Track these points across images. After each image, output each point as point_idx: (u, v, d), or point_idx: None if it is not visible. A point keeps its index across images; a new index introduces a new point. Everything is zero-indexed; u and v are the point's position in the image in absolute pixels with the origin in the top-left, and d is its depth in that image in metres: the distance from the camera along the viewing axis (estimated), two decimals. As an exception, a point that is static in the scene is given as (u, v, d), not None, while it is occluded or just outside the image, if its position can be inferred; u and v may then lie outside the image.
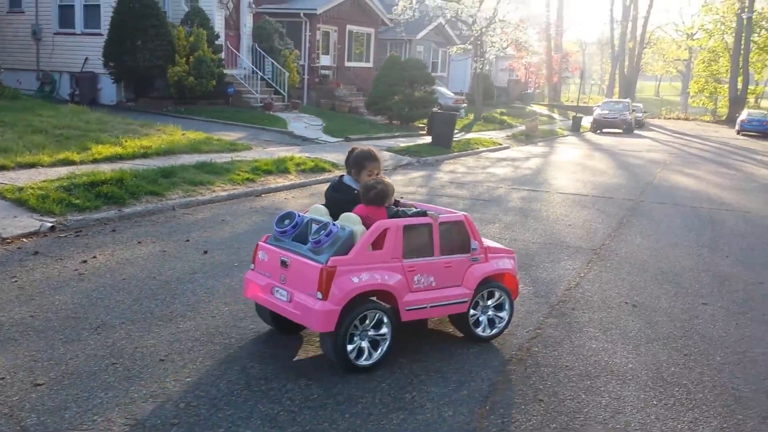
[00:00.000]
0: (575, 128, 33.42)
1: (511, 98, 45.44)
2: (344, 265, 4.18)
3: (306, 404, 3.89)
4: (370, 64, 30.37)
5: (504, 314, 5.02)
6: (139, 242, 7.03)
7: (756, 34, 50.29)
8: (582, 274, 6.97)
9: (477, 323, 4.93)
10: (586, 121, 35.96)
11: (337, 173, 12.66)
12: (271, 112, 20.38)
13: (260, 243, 4.69)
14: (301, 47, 25.26)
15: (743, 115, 40.54)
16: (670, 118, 53.35)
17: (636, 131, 36.28)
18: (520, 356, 4.76)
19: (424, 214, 4.64)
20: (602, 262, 7.54)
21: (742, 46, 46.94)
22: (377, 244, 4.34)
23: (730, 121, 46.23)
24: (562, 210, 10.79)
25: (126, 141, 12.12)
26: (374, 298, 4.45)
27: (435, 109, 20.92)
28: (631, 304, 6.06)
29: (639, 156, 21.67)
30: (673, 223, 10.18)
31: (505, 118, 32.30)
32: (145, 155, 11.46)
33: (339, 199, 4.73)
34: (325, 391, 4.06)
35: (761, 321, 5.82)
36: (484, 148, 20.66)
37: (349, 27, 28.66)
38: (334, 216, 4.57)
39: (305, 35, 25.91)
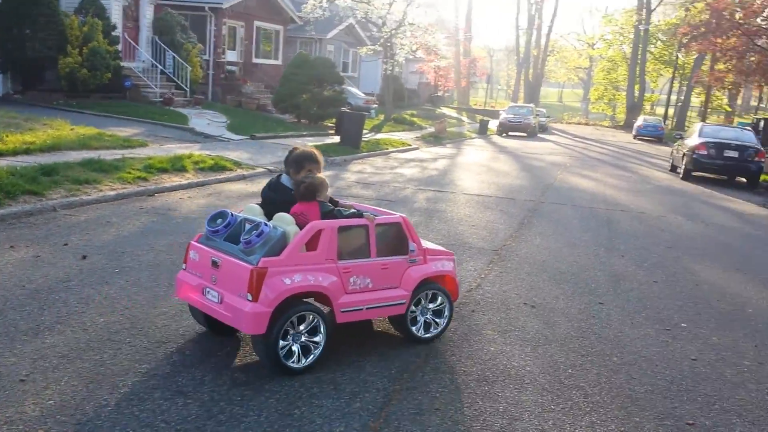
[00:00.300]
0: (482, 131, 34.07)
1: (422, 100, 45.88)
2: (276, 266, 4.07)
3: (183, 426, 3.54)
4: (278, 62, 29.78)
5: (441, 320, 4.97)
6: (12, 246, 6.39)
7: (652, 45, 53.13)
8: (483, 275, 6.90)
9: (415, 321, 4.86)
10: (493, 125, 36.73)
11: (240, 172, 12.22)
12: (171, 108, 19.55)
13: (192, 242, 4.55)
14: (205, 42, 24.41)
15: (639, 120, 42.67)
16: (571, 123, 55.46)
17: (540, 135, 37.39)
18: (419, 363, 4.58)
19: (360, 215, 4.54)
20: (503, 262, 7.52)
21: (639, 56, 49.38)
22: (311, 245, 4.26)
23: (627, 126, 48.56)
24: (467, 211, 10.79)
25: (6, 136, 11.18)
26: (311, 300, 4.38)
27: (344, 109, 20.66)
28: (530, 305, 6.02)
29: (541, 159, 22.23)
30: (572, 223, 10.37)
31: (415, 119, 32.51)
32: (27, 151, 10.61)
33: (275, 199, 4.62)
34: (205, 410, 3.71)
35: (655, 320, 5.90)
36: (394, 149, 20.61)
37: (257, 23, 27.99)
38: (269, 216, 4.44)
39: (210, 29, 25.05)
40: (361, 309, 4.51)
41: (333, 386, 4.10)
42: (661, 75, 58.94)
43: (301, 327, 4.22)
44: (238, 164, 12.62)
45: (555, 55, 70.85)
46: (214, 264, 4.27)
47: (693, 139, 18.85)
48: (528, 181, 15.59)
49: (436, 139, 26.12)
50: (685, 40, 40.30)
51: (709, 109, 46.53)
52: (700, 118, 42.36)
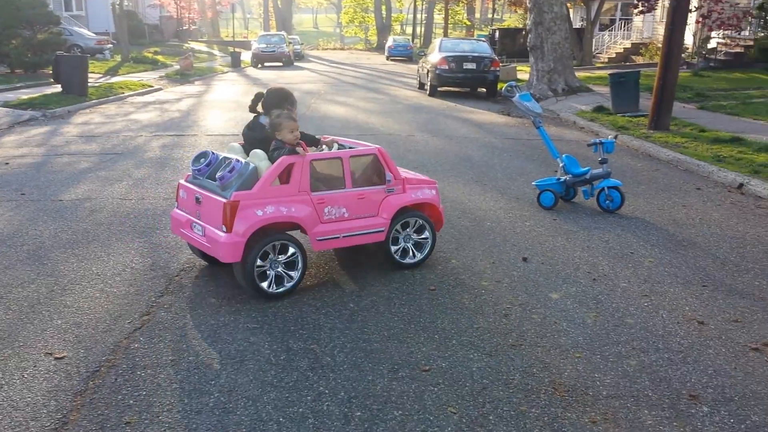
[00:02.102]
0: (235, 64, 32.45)
1: (166, 36, 42.55)
2: (248, 199, 4.34)
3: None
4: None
5: (426, 234, 5.12)
6: None
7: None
8: (214, 230, 6.08)
9: (405, 252, 5.08)
10: (247, 56, 35.17)
11: None
12: None
13: (180, 182, 4.91)
14: None
15: (390, 41, 43.68)
16: (327, 49, 55.43)
17: (296, 63, 36.66)
18: (113, 361, 3.69)
19: (320, 145, 4.95)
20: (240, 210, 6.74)
21: (382, -23, 50.02)
22: (284, 178, 4.47)
23: (380, 48, 49.63)
24: (206, 155, 9.77)
25: None
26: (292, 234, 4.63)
27: (60, 53, 17.98)
28: (265, 258, 5.35)
29: (296, 88, 21.52)
30: (320, 154, 9.85)
31: (158, 57, 29.95)
32: None
33: (252, 138, 4.85)
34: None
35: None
36: (132, 92, 18.59)
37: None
38: (249, 153, 4.67)
39: None
40: (338, 237, 4.73)
41: None
42: (405, -6, 60.64)
43: (281, 257, 4.49)
44: None
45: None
46: (197, 200, 4.63)
47: (434, 55, 19.31)
48: (278, 114, 14.81)
49: (183, 77, 24.20)
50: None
51: (450, 25, 48.92)
52: (443, 34, 44.35)
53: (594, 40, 32.18)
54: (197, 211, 4.64)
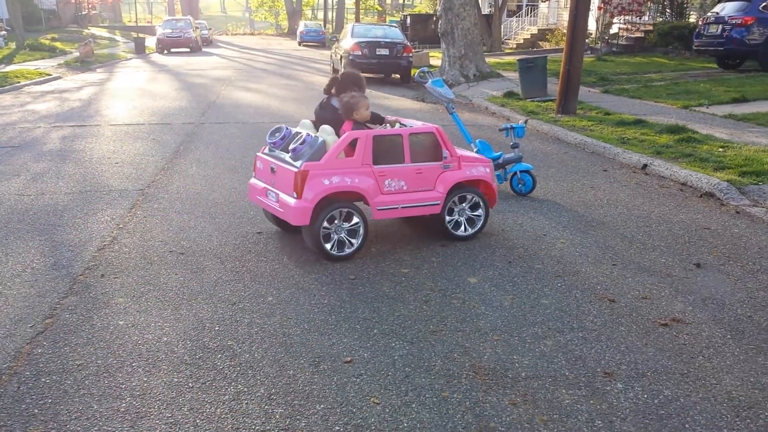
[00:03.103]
0: (139, 50, 31.21)
1: (64, 22, 40.37)
2: (316, 169, 4.81)
3: None
4: None
5: (480, 211, 5.49)
6: None
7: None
8: (122, 225, 5.80)
9: (458, 225, 5.46)
10: (152, 42, 33.87)
11: None
12: None
13: (258, 154, 5.43)
14: None
15: (301, 26, 43.16)
16: (237, 34, 54.13)
17: (205, 49, 35.63)
18: (15, 368, 3.44)
19: (384, 124, 5.36)
20: (149, 203, 6.46)
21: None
22: (349, 152, 4.92)
23: (292, 33, 48.91)
24: (111, 146, 9.33)
25: None
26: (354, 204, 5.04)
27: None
28: (178, 252, 5.14)
29: (205, 75, 20.92)
30: (234, 144, 9.60)
31: (57, 44, 28.43)
32: None
33: (323, 116, 5.35)
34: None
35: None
36: (28, 81, 17.55)
37: None
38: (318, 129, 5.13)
39: None
40: (396, 207, 5.16)
41: None
42: (315, -22, 59.97)
43: (345, 224, 4.96)
44: None
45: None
46: (272, 170, 5.14)
47: (347, 41, 19.18)
48: (188, 102, 14.34)
49: (83, 64, 23.03)
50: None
51: (362, 10, 48.77)
52: (355, 20, 44.16)
53: (502, 27, 32.86)
54: (272, 179, 5.17)
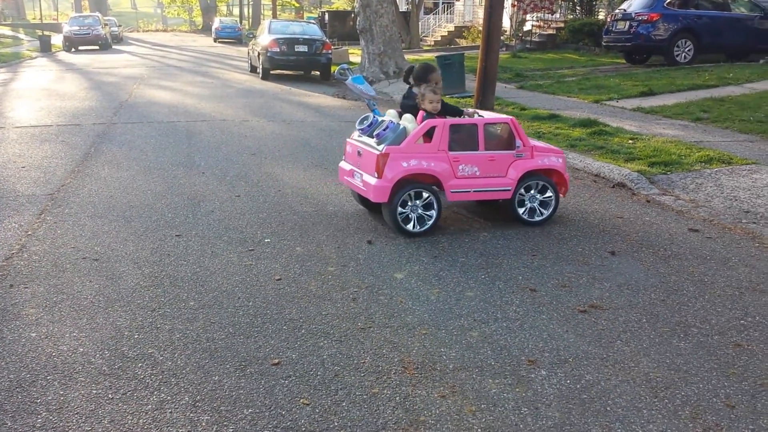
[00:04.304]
0: (45, 49, 29.79)
1: (-40, 18, 37.98)
2: (396, 152, 5.29)
3: None
4: None
5: (549, 199, 5.82)
6: None
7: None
8: (30, 232, 5.50)
9: (522, 204, 5.77)
10: (58, 40, 32.37)
11: None
12: None
13: (347, 139, 6.00)
14: None
15: (216, 23, 42.28)
16: (149, 31, 52.50)
17: (115, 47, 34.36)
18: None
19: (463, 114, 5.73)
20: (59, 209, 6.15)
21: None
22: (427, 138, 5.37)
23: (207, 29, 47.81)
24: (17, 149, 8.84)
25: None
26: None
27: None
28: (92, 259, 4.92)
29: (115, 73, 20.16)
30: (148, 144, 9.28)
31: (-49, 42, 26.69)
32: None
33: (407, 105, 5.84)
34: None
35: (238, 241, 5.35)
36: None
37: None
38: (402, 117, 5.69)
39: None
40: (469, 191, 5.61)
41: None
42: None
43: (418, 202, 5.42)
44: None
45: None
46: (359, 153, 5.66)
47: (264, 38, 18.89)
48: (98, 101, 13.77)
49: (-17, 64, 21.75)
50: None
51: (279, 6, 48.23)
52: (272, 16, 43.64)
53: (420, 24, 33.22)
54: (358, 162, 5.70)
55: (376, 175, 5.35)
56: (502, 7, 12.37)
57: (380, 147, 5.37)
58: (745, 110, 10.58)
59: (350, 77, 7.44)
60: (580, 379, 3.40)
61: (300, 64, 18.97)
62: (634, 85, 13.84)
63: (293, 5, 53.65)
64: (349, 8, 37.55)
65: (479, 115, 5.84)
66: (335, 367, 3.46)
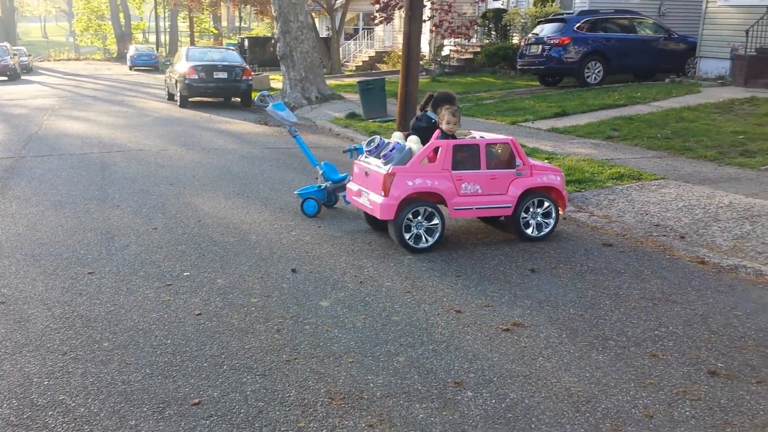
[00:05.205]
0: (-53, 79, 28.25)
1: None
2: (401, 172, 5.62)
3: None
4: None
5: (551, 220, 6.07)
6: None
7: (128, -29, 51.13)
8: (-72, 276, 5.14)
9: (527, 225, 6.02)
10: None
11: None
12: None
13: (355, 161, 6.32)
14: None
15: (132, 50, 41.40)
16: (61, 60, 50.79)
17: (25, 77, 33.04)
18: None
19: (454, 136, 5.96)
20: (-39, 249, 5.80)
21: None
22: (432, 158, 5.68)
23: (122, 57, 46.70)
24: None
25: None
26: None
27: None
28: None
29: (25, 104, 19.34)
30: (59, 177, 8.90)
31: None
32: None
33: (418, 126, 6.32)
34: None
35: (156, 276, 5.17)
36: None
37: None
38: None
39: None
40: (471, 208, 5.84)
41: None
42: (144, 1, 57.75)
43: (422, 219, 5.66)
44: None
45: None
46: (366, 174, 5.96)
47: (182, 65, 18.58)
48: (5, 135, 13.15)
49: None
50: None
51: (197, 33, 47.63)
52: (190, 43, 43.06)
53: (341, 49, 33.48)
54: (365, 182, 5.95)
55: (383, 194, 5.61)
56: (420, 33, 12.61)
57: (387, 167, 5.64)
58: (653, 128, 11.11)
59: (271, 104, 7.41)
60: (505, 398, 3.42)
61: (219, 91, 18.73)
62: (548, 107, 14.32)
63: (212, 32, 53.09)
64: (269, 34, 37.46)
65: (472, 136, 6.25)
66: (259, 403, 3.36)
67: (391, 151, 5.71)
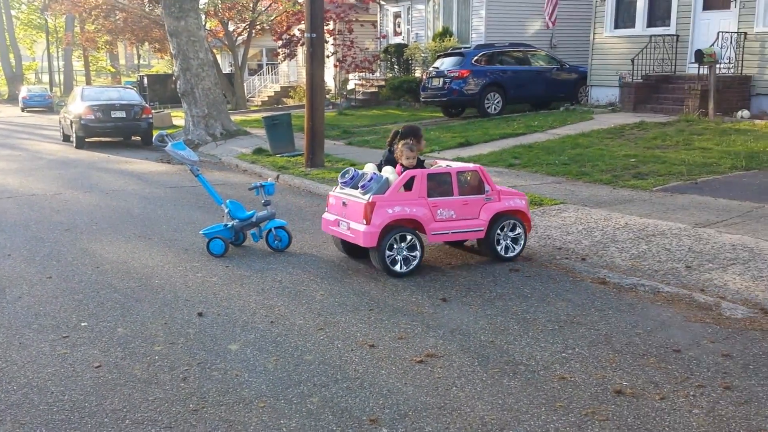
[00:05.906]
0: None
1: None
2: (381, 200, 5.89)
3: None
4: None
5: (518, 244, 6.40)
6: None
7: (17, 10, 49.16)
8: None
9: (498, 244, 6.31)
10: None
11: None
12: None
13: (330, 192, 6.60)
14: None
15: (23, 92, 39.65)
16: (-56, 102, 47.76)
17: None
18: None
19: (422, 165, 6.39)
20: None
21: (5, 23, 45.17)
22: (408, 187, 6.00)
23: (13, 99, 44.52)
24: None
25: None
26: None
27: None
28: None
29: None
30: (-58, 227, 8.28)
31: None
32: None
33: (390, 159, 6.48)
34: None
35: (51, 328, 4.85)
36: None
37: None
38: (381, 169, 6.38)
39: None
40: (447, 233, 6.16)
41: None
42: (35, 41, 55.55)
43: (403, 244, 5.96)
44: None
45: None
46: (344, 204, 6.23)
47: (77, 105, 17.88)
48: None
49: None
50: (47, 2, 38.44)
51: (93, 72, 46.17)
52: (86, 82, 41.65)
53: (246, 85, 33.21)
54: (343, 212, 6.18)
55: (365, 222, 5.81)
56: (323, 68, 12.68)
57: (366, 197, 5.88)
58: (551, 154, 11.58)
59: (170, 144, 7.21)
60: (421, 431, 3.40)
61: (118, 131, 18.13)
62: (452, 137, 14.68)
63: (109, 70, 51.51)
64: (170, 71, 36.74)
65: (439, 165, 6.58)
66: (165, 458, 3.18)
67: (369, 181, 5.96)
